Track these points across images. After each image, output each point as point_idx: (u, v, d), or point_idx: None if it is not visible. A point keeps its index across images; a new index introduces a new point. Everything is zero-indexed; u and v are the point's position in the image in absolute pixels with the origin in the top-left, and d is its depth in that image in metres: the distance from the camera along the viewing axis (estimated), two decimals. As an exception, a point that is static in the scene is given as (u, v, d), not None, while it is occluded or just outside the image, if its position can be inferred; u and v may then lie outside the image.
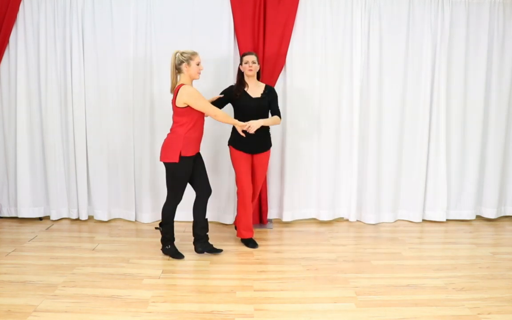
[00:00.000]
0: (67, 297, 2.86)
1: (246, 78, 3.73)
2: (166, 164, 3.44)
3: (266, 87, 3.79)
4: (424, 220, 4.68)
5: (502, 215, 4.82)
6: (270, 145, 3.89)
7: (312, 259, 3.59)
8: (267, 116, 3.78)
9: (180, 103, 3.34)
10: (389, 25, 4.40)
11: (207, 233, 3.64)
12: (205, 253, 3.64)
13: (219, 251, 3.67)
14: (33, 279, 3.12)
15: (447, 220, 4.70)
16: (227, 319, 2.64)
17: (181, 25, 4.28)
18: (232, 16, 4.24)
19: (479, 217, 4.82)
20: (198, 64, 3.40)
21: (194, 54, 3.39)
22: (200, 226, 3.59)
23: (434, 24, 4.43)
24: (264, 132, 3.75)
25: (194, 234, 3.63)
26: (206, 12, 4.27)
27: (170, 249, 3.59)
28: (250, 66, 3.64)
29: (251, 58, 3.66)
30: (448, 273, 3.35)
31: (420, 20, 4.42)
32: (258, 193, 4.04)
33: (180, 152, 3.37)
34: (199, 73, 3.45)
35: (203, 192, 3.60)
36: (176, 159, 3.37)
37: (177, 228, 3.83)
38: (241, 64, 3.73)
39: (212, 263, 3.47)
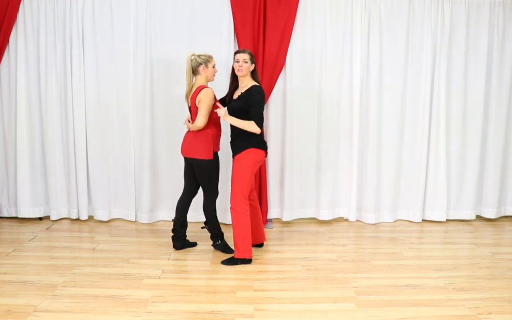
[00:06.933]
0: (67, 297, 2.86)
1: (238, 78, 3.45)
2: (199, 162, 3.48)
3: (249, 89, 3.35)
4: (424, 220, 4.69)
5: (502, 215, 4.83)
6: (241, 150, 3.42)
7: (312, 259, 3.59)
8: (246, 119, 3.33)
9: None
10: (389, 25, 4.40)
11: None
12: (186, 248, 3.79)
13: (195, 244, 3.86)
14: (33, 279, 3.12)
15: (447, 220, 4.71)
16: (227, 319, 2.64)
17: (181, 26, 4.28)
18: (232, 16, 4.24)
19: (479, 217, 4.82)
20: (213, 67, 3.53)
21: (211, 57, 3.53)
22: (184, 223, 3.73)
23: (434, 24, 4.43)
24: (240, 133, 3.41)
25: (175, 231, 3.72)
26: (206, 13, 4.27)
27: (220, 244, 3.68)
28: (240, 65, 3.34)
29: (242, 56, 3.35)
30: (448, 273, 3.35)
31: (420, 20, 4.43)
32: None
33: (213, 149, 3.50)
34: (214, 75, 3.56)
35: (194, 192, 3.72)
36: (210, 156, 3.47)
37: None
38: (234, 62, 3.44)
39: (212, 263, 3.47)
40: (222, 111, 3.37)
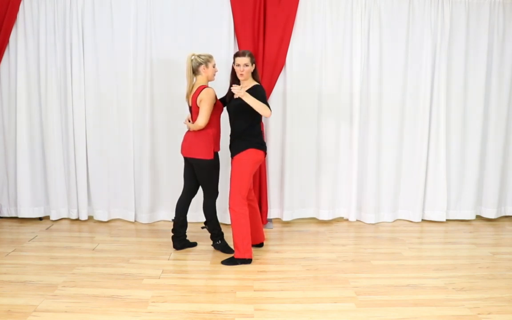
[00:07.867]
0: (67, 297, 2.86)
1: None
2: (200, 162, 3.48)
3: (251, 88, 3.36)
4: (423, 220, 4.69)
5: (502, 215, 4.83)
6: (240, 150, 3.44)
7: (312, 259, 3.59)
8: (247, 117, 3.39)
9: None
10: (389, 25, 4.40)
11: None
12: (186, 248, 3.79)
13: (195, 244, 3.86)
14: (33, 279, 3.12)
15: (447, 220, 4.71)
16: (227, 319, 2.64)
17: (181, 26, 4.28)
18: (232, 16, 4.24)
19: (479, 217, 4.82)
20: (214, 66, 3.53)
21: (211, 56, 3.53)
22: (184, 223, 3.73)
23: (434, 24, 4.43)
24: (242, 133, 3.44)
25: (175, 231, 3.72)
26: (206, 13, 4.27)
27: (220, 244, 3.69)
28: (241, 70, 3.37)
29: (243, 61, 3.37)
30: (448, 273, 3.35)
31: (420, 20, 4.43)
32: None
33: (213, 149, 3.51)
34: (215, 75, 3.56)
35: (194, 192, 3.72)
36: (211, 156, 3.48)
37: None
38: (234, 64, 3.46)
39: (212, 263, 3.47)
40: (237, 88, 3.20)
